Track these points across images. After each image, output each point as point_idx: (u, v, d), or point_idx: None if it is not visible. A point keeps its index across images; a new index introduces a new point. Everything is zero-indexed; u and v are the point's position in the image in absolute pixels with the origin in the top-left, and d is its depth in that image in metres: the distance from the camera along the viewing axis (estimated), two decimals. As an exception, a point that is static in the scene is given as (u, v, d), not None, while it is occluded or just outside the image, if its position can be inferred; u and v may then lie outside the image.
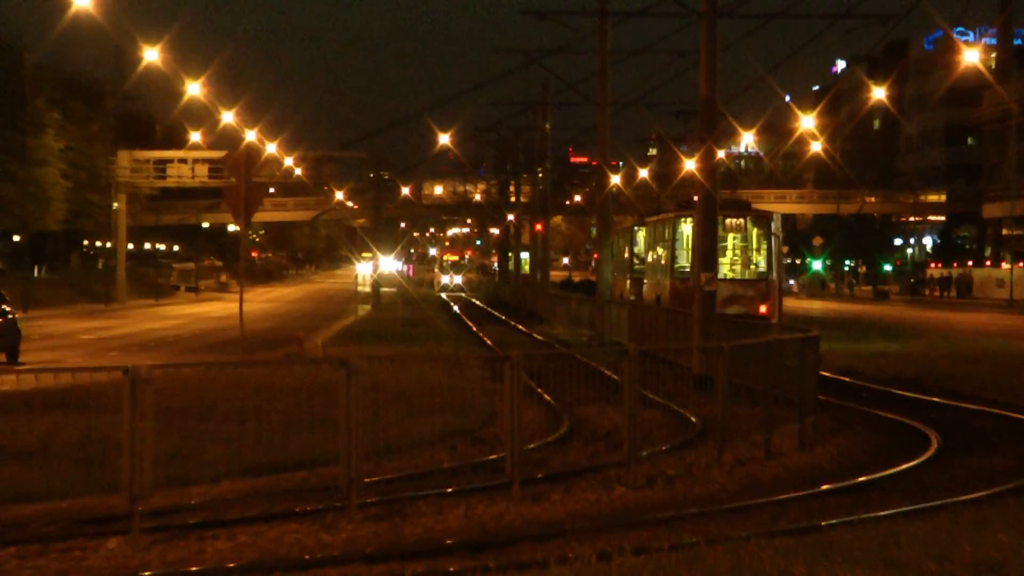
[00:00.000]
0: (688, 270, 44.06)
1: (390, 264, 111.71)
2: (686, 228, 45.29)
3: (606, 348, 37.71)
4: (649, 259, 53.21)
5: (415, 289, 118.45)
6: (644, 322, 40.97)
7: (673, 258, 46.60)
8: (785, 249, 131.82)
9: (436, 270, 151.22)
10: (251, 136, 72.76)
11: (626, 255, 57.78)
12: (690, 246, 43.96)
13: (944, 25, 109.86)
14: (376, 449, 16.91)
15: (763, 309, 43.62)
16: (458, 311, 77.84)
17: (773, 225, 45.68)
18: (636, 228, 56.44)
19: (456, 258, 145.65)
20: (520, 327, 58.53)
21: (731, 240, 44.86)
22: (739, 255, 44.93)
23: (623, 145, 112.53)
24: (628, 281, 56.27)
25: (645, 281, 53.02)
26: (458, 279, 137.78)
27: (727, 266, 44.28)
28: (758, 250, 45.45)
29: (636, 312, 43.94)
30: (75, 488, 16.12)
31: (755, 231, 45.53)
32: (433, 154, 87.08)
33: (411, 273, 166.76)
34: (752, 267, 45.34)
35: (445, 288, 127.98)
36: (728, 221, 44.22)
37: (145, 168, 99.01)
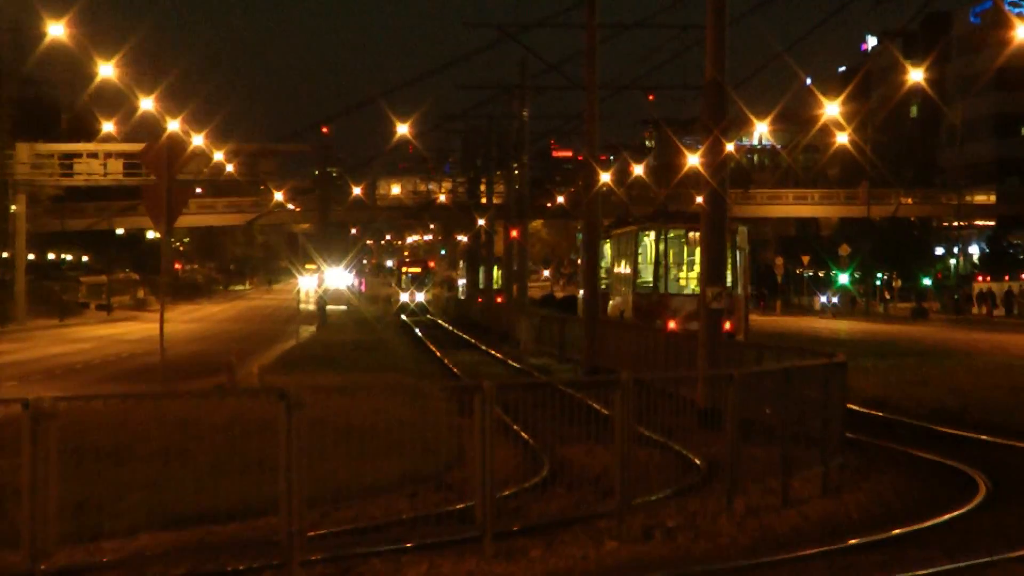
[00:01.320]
0: (651, 284, 51.01)
1: (339, 277, 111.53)
2: (648, 241, 51.45)
3: (593, 376, 37.86)
4: (615, 273, 57.17)
5: (369, 307, 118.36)
6: (636, 346, 41.38)
7: (636, 272, 51.47)
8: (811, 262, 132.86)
9: (395, 286, 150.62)
10: (174, 126, 72.67)
11: None
12: (652, 260, 51.17)
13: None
14: (322, 496, 16.90)
15: (728, 325, 45.52)
16: (419, 333, 77.86)
17: (739, 238, 49.61)
18: (601, 241, 58.41)
19: (418, 270, 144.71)
20: (492, 352, 58.67)
21: (697, 254, 46.92)
22: None
23: (614, 136, 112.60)
24: None
25: (611, 296, 56.60)
26: (420, 296, 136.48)
27: (693, 280, 48.97)
28: None
29: (628, 334, 44.43)
30: (-35, 544, 16.06)
31: None
32: (390, 147, 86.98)
33: (364, 288, 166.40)
34: None
35: (405, 308, 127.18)
36: (691, 235, 49.51)
37: (48, 163, 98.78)
